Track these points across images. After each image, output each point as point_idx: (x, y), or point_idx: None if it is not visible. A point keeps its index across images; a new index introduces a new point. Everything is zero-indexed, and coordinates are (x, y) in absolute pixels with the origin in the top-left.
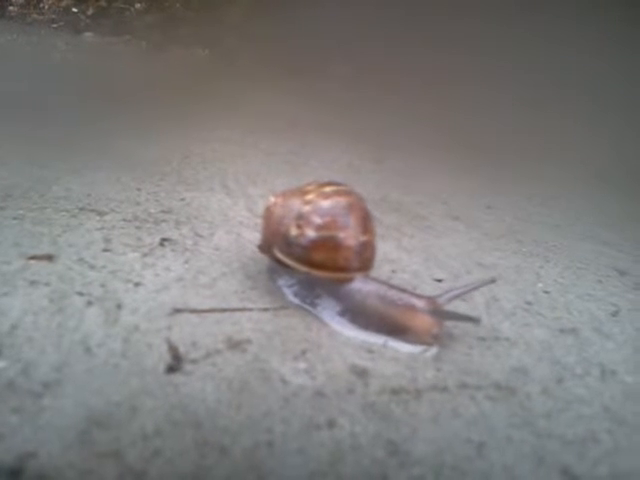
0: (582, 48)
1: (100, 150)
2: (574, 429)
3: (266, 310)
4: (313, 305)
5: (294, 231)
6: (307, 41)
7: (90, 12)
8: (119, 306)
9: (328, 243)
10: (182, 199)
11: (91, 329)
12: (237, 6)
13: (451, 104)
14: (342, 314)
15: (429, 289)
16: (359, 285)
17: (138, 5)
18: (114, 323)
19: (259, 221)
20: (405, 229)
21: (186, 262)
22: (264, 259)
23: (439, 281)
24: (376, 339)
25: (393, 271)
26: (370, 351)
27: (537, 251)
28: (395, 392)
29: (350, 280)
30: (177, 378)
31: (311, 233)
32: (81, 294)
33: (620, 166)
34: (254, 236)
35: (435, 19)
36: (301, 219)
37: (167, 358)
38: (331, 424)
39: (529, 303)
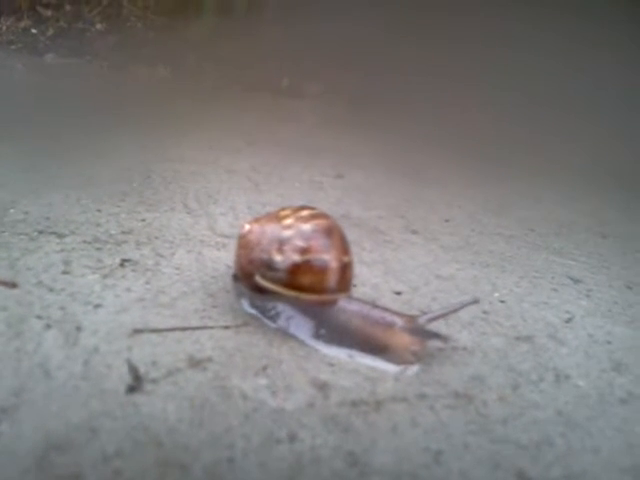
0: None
1: (59, 170)
2: (529, 434)
3: (227, 328)
4: (294, 327)
5: (277, 256)
6: (274, 60)
7: (50, 33)
8: (78, 328)
9: (314, 266)
10: (143, 219)
11: (50, 352)
12: (199, 26)
13: (413, 118)
14: (326, 335)
15: (389, 302)
16: (342, 305)
17: (99, 26)
18: (73, 345)
19: (220, 240)
20: (365, 244)
21: (147, 282)
22: (225, 277)
23: (398, 294)
24: (359, 358)
25: (354, 285)
26: (331, 364)
27: (493, 262)
28: (355, 404)
29: (335, 301)
30: (138, 398)
31: (296, 257)
32: (40, 317)
33: (582, 172)
34: (215, 254)
35: (410, 40)
36: (284, 244)
37: (127, 379)
38: (292, 438)
39: (486, 312)
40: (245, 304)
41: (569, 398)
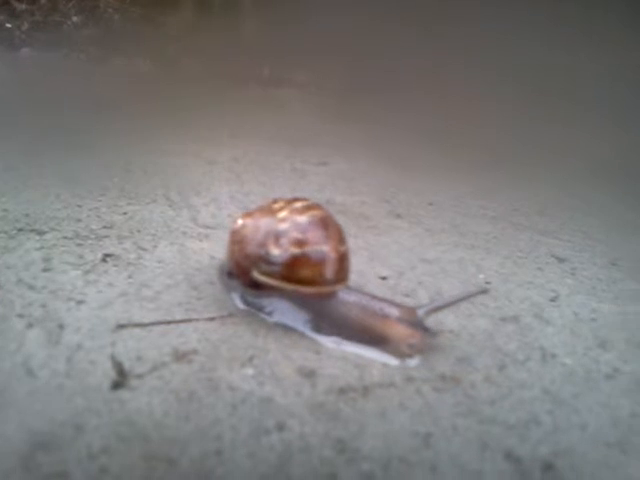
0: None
1: (38, 166)
2: (516, 413)
3: (212, 319)
4: (294, 321)
5: (275, 250)
6: (256, 51)
7: (25, 27)
8: (61, 326)
9: (313, 258)
10: (124, 213)
11: (33, 351)
12: (179, 17)
13: (397, 107)
14: (326, 327)
15: (374, 288)
16: (341, 297)
17: (75, 18)
18: (56, 343)
19: (202, 231)
20: (350, 230)
21: (129, 277)
22: (209, 269)
23: (384, 279)
24: (359, 350)
25: None
26: (317, 352)
27: (478, 243)
28: (343, 391)
29: (334, 293)
30: (123, 394)
31: (294, 250)
32: (21, 316)
33: (564, 159)
34: (198, 246)
35: (401, 27)
36: (280, 237)
37: (112, 374)
38: (280, 427)
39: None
40: (239, 301)
41: (555, 376)
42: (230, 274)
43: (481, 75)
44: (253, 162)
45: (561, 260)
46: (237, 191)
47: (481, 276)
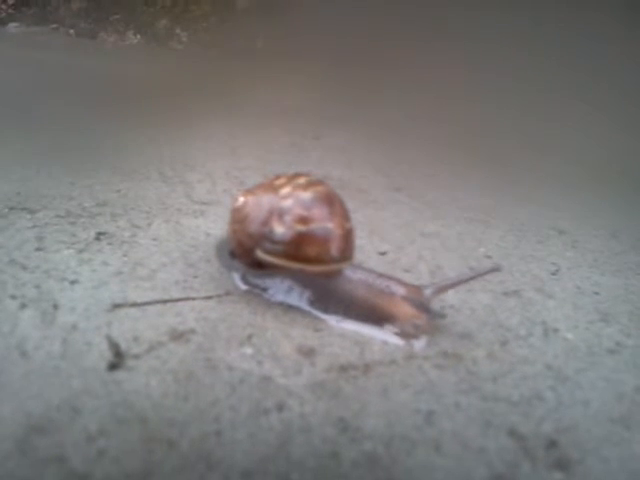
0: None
1: (29, 145)
2: (519, 390)
3: (209, 298)
4: (299, 301)
5: (279, 228)
6: (250, 20)
7: (12, 1)
8: (55, 306)
9: (319, 235)
10: (118, 190)
11: (27, 332)
12: None
13: (394, 79)
14: (333, 306)
15: (373, 263)
16: (347, 275)
17: None
18: (51, 324)
19: (198, 207)
20: (349, 204)
21: (124, 255)
22: (205, 246)
23: (383, 254)
24: (364, 330)
25: None
26: (317, 330)
27: (478, 217)
28: (343, 369)
29: (340, 271)
30: (120, 375)
31: (300, 227)
32: (14, 297)
33: (560, 133)
34: (193, 223)
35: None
36: (285, 214)
37: (108, 355)
38: (280, 407)
39: (472, 269)
40: (241, 282)
41: (558, 351)
42: (232, 254)
43: (482, 50)
44: (249, 137)
45: (561, 232)
46: (232, 166)
47: (481, 250)
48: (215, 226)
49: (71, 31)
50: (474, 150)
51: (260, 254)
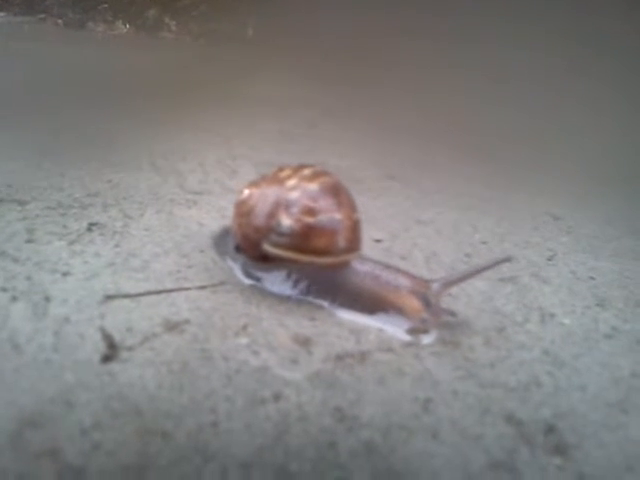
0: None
1: (17, 137)
2: (517, 376)
3: (203, 288)
4: (310, 293)
5: (286, 220)
6: (241, 9)
7: None
8: (47, 298)
9: (327, 226)
10: (109, 181)
11: (18, 325)
12: None
13: (388, 69)
14: (341, 298)
15: (368, 251)
16: (355, 266)
17: None
18: (43, 317)
19: (190, 197)
20: None
21: (116, 246)
22: (198, 236)
23: (378, 242)
24: (371, 322)
25: None
26: (312, 319)
27: (473, 203)
28: (339, 358)
29: (348, 262)
30: (114, 367)
31: (308, 219)
32: (5, 290)
33: (555, 123)
34: (186, 213)
35: None
36: (292, 206)
37: (102, 347)
38: (276, 397)
39: (468, 255)
40: (244, 275)
41: (555, 337)
42: (237, 248)
43: (477, 46)
44: (241, 126)
45: (557, 218)
46: (225, 155)
47: (477, 236)
48: (208, 216)
49: (59, 21)
50: (469, 140)
51: (267, 247)
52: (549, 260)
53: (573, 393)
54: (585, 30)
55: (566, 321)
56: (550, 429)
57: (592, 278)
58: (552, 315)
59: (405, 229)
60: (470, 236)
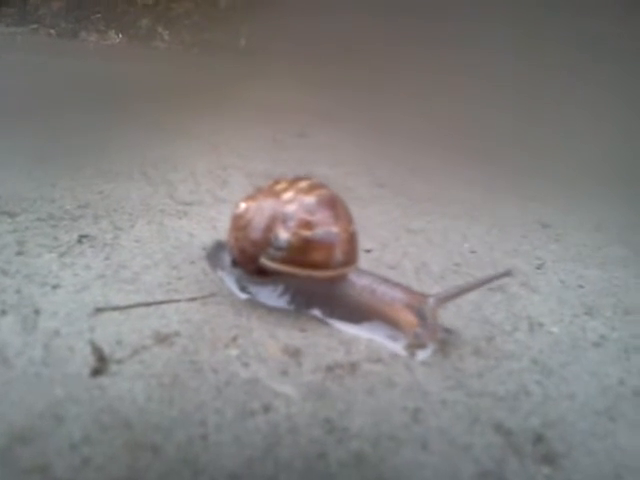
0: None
1: (7, 147)
2: (505, 385)
3: (194, 300)
4: (308, 307)
5: (284, 234)
6: (233, 18)
7: None
8: (37, 311)
9: (324, 240)
10: (100, 192)
11: (7, 339)
12: None
13: (378, 76)
14: (339, 312)
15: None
16: (352, 279)
17: None
18: (32, 330)
19: (181, 208)
20: None
21: (106, 258)
22: (189, 247)
23: (368, 251)
24: (371, 335)
25: None
26: (303, 330)
27: (463, 212)
28: (329, 369)
29: (346, 275)
30: (103, 380)
31: (305, 232)
32: None
33: (545, 130)
34: (177, 224)
35: None
36: (289, 220)
37: (91, 361)
38: (266, 409)
39: (457, 264)
40: (239, 290)
41: (543, 346)
42: (234, 263)
43: (471, 51)
44: (232, 134)
45: (546, 226)
46: (216, 165)
47: (466, 245)
48: (199, 227)
49: (52, 31)
50: (459, 147)
51: (265, 261)
52: (538, 269)
53: (562, 402)
54: (584, 35)
55: (555, 330)
56: (539, 438)
57: (581, 286)
58: (541, 324)
59: (395, 238)
60: (460, 245)
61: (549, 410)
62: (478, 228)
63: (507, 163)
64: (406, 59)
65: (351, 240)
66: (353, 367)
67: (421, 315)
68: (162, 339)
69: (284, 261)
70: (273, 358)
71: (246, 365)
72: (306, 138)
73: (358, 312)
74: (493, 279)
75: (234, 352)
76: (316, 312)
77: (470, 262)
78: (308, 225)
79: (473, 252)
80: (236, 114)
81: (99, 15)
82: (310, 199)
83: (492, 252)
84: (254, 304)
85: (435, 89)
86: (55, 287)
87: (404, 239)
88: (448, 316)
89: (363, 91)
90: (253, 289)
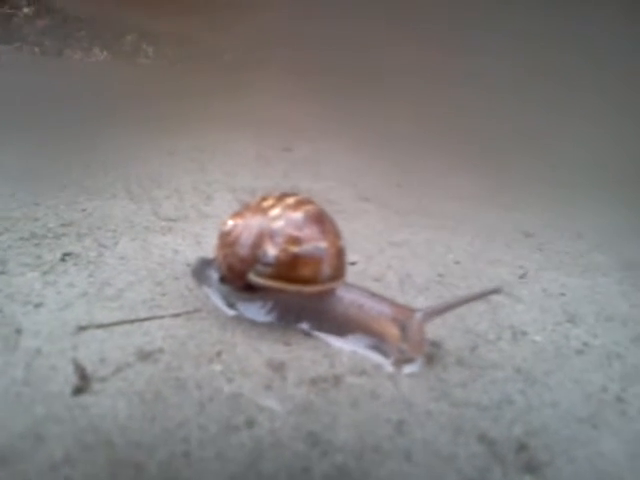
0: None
1: None
2: (489, 394)
3: (178, 316)
4: (297, 322)
5: (272, 250)
6: (217, 33)
7: None
8: (18, 331)
9: (312, 255)
10: (83, 209)
11: None
12: (136, 4)
13: (363, 91)
14: (327, 326)
15: None
16: (340, 294)
17: (26, 9)
18: (14, 349)
19: (165, 224)
20: None
21: (90, 275)
22: (173, 263)
23: (353, 264)
24: (359, 349)
25: None
26: (287, 344)
27: (446, 223)
28: (313, 382)
29: (334, 290)
30: (85, 399)
31: (293, 248)
32: None
33: (521, 135)
34: (161, 240)
35: None
36: (276, 236)
37: (74, 379)
38: (250, 423)
39: (441, 275)
40: (227, 306)
41: (527, 354)
42: (223, 279)
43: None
44: (216, 150)
45: (528, 235)
46: (200, 181)
47: (450, 256)
48: (183, 242)
49: (36, 49)
50: (442, 159)
51: (253, 277)
52: (521, 278)
53: (545, 410)
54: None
55: (538, 338)
56: (522, 447)
57: (563, 294)
58: (524, 333)
59: (379, 251)
60: (443, 256)
61: (532, 418)
62: (462, 239)
63: (486, 174)
64: (393, 68)
65: (339, 255)
66: (337, 380)
67: (405, 329)
68: (145, 356)
69: (273, 277)
70: (257, 372)
71: (230, 380)
72: (290, 152)
73: (346, 326)
74: (482, 295)
75: (218, 367)
76: (305, 326)
77: (454, 272)
78: (296, 241)
79: (457, 263)
80: (220, 129)
81: (83, 32)
82: (297, 215)
83: (476, 262)
84: (238, 319)
85: (435, 94)
86: (38, 306)
87: (388, 251)
88: (432, 327)
89: (348, 104)
90: (241, 306)
